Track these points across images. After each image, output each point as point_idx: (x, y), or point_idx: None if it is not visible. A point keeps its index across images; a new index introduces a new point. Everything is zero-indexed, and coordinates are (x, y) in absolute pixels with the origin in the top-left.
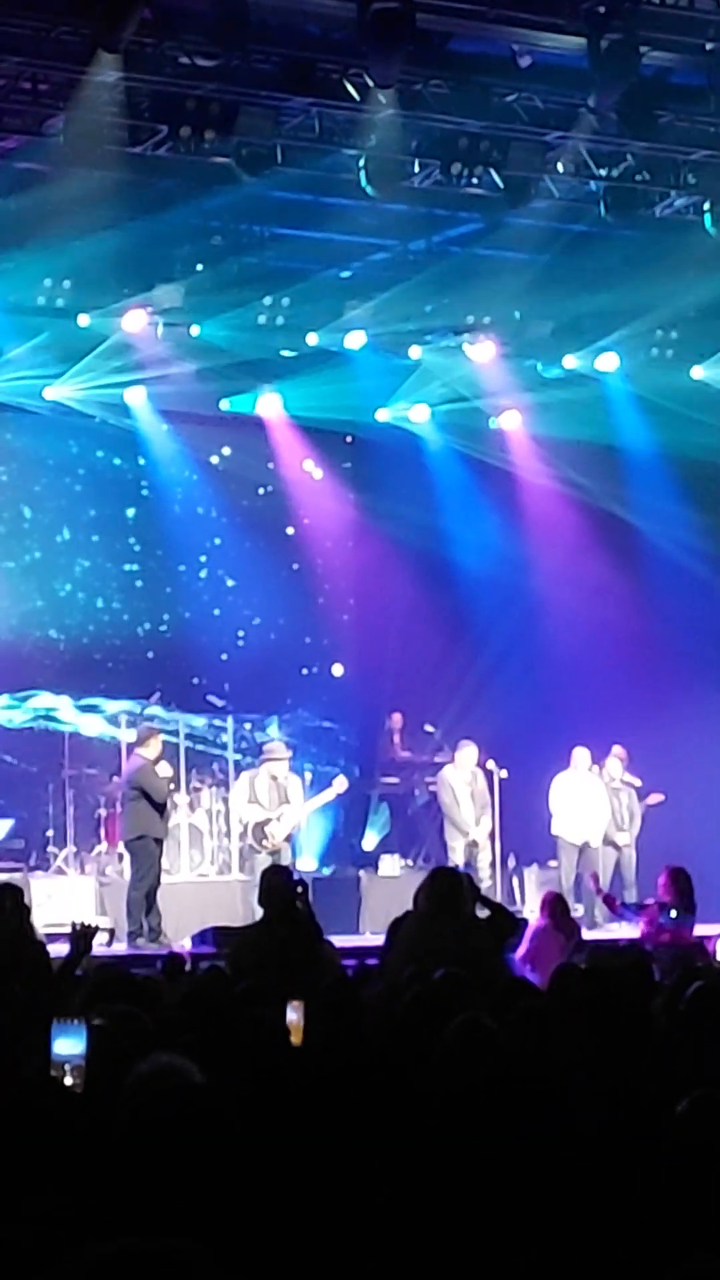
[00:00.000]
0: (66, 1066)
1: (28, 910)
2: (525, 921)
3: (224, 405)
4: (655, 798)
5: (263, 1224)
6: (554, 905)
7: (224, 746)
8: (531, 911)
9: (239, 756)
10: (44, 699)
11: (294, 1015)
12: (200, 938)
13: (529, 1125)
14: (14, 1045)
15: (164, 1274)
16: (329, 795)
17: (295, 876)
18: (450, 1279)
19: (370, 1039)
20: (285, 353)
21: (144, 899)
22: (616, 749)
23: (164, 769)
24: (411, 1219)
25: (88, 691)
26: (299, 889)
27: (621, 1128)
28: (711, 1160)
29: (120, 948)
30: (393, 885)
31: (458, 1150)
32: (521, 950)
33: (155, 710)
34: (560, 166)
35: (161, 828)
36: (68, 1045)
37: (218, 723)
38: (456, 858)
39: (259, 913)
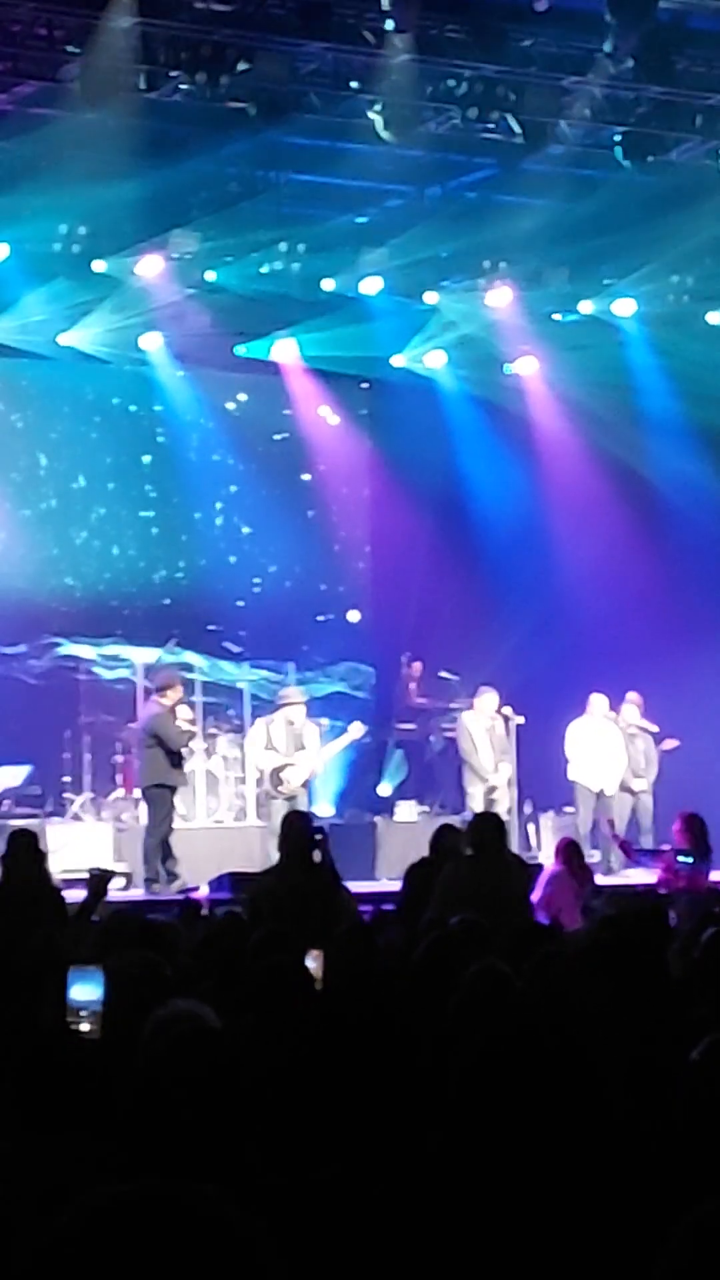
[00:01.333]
0: (83, 1013)
1: (44, 856)
2: (540, 867)
3: (240, 351)
4: (671, 743)
5: (279, 1167)
6: (568, 851)
7: (240, 692)
8: (547, 858)
9: (256, 703)
10: (60, 644)
11: (313, 964)
12: (217, 883)
13: (545, 1071)
14: (31, 991)
15: (181, 1214)
16: (345, 741)
17: (314, 823)
18: (466, 1224)
19: (387, 985)
20: (295, 291)
21: (160, 845)
22: (632, 695)
23: (184, 713)
24: (428, 1164)
25: (104, 638)
26: (318, 836)
27: (637, 1073)
28: None
29: (137, 893)
30: (409, 831)
31: (474, 1096)
32: (535, 895)
33: (172, 656)
34: (576, 111)
35: (178, 775)
36: (85, 991)
37: (233, 668)
38: (475, 804)
39: (276, 858)
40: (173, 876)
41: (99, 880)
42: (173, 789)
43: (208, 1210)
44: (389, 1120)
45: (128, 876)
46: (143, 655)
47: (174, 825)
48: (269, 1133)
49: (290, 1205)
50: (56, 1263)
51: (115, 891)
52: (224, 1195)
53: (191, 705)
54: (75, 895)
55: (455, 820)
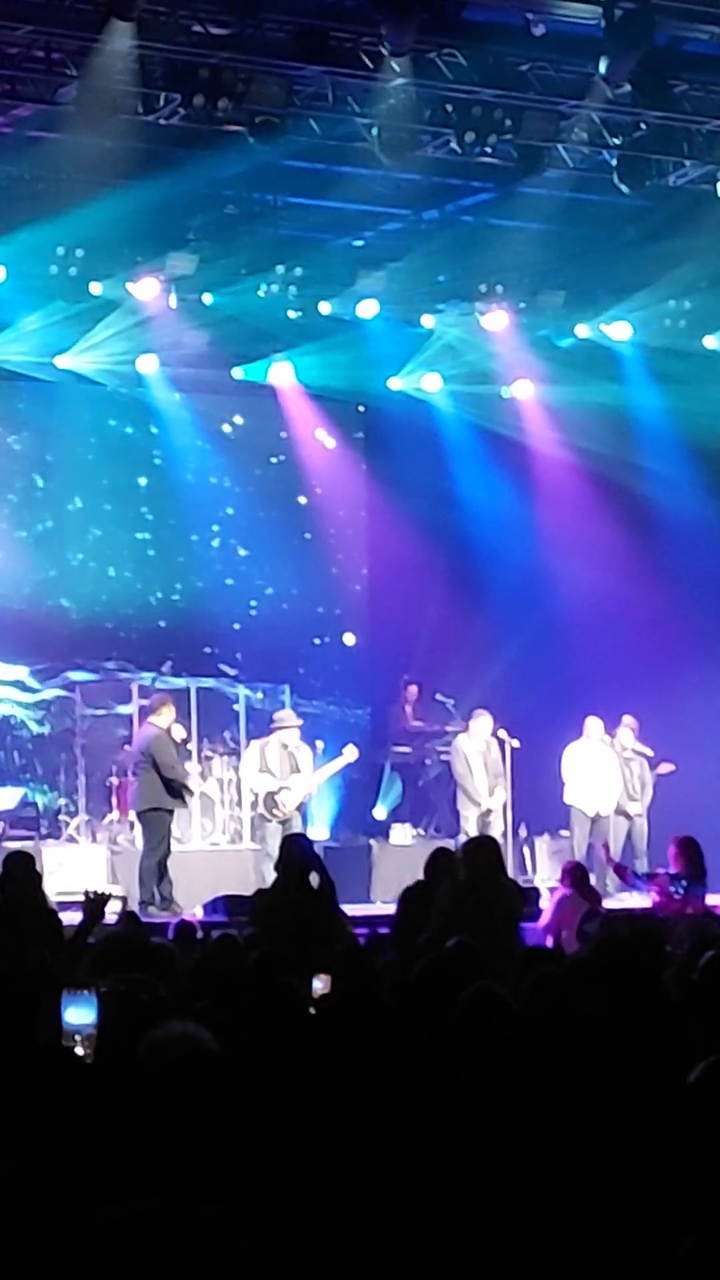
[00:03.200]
0: (78, 1036)
1: (39, 878)
2: (536, 890)
3: (236, 374)
4: (666, 767)
5: (278, 1188)
6: (575, 873)
7: (235, 716)
8: (543, 881)
9: (250, 726)
10: (55, 666)
11: (320, 985)
12: (212, 906)
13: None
14: (26, 1013)
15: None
16: (339, 764)
17: (312, 846)
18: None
19: (384, 1007)
20: (292, 314)
21: (156, 868)
22: (627, 719)
23: (178, 733)
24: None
25: (100, 660)
26: (317, 859)
27: (635, 1096)
28: None
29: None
30: (404, 854)
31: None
32: (545, 919)
33: (163, 682)
34: (574, 136)
35: (174, 800)
36: (79, 1015)
37: (229, 691)
38: (469, 827)
39: (270, 881)
40: (166, 901)
41: (95, 902)
42: (170, 812)
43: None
44: (387, 1141)
45: (123, 900)
46: (138, 678)
47: (170, 849)
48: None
49: (288, 1226)
50: None
51: (110, 915)
52: (224, 1215)
53: (185, 727)
54: (71, 918)
55: (450, 844)
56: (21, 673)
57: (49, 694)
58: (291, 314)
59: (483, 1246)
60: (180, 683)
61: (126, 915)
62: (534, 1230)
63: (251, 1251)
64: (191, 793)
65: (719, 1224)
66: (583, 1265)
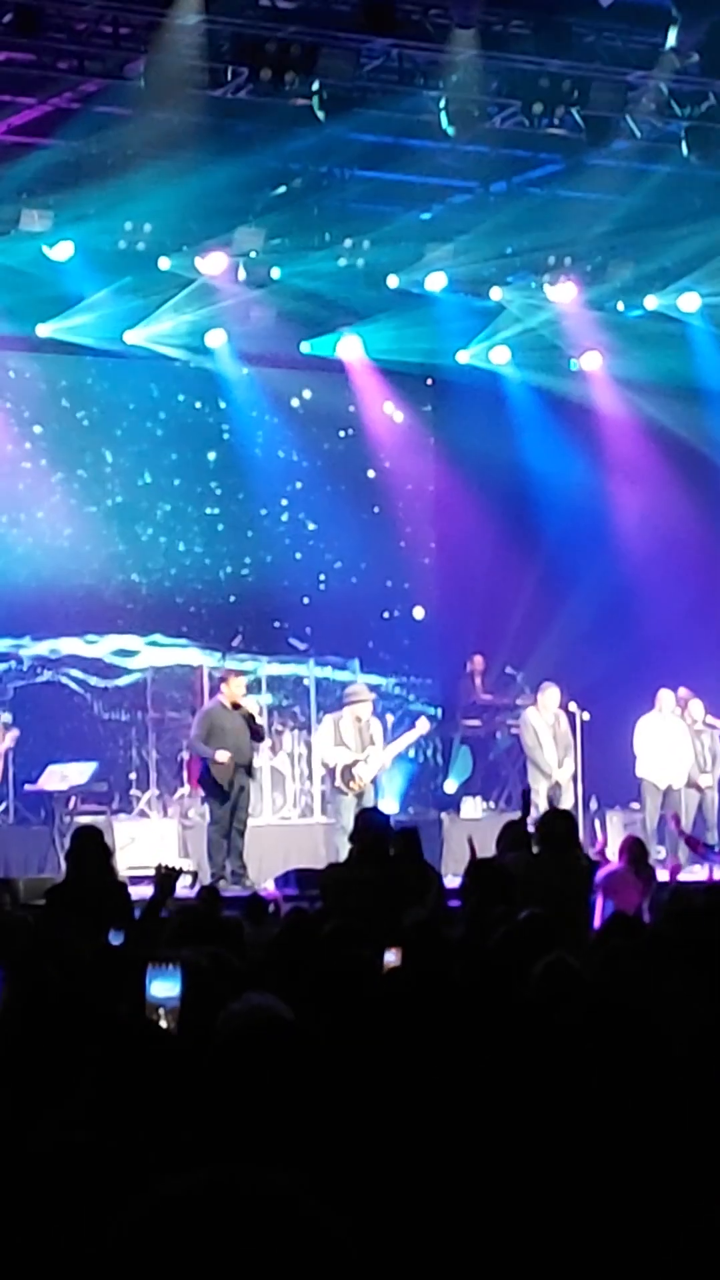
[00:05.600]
0: (161, 1010)
1: (110, 852)
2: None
3: (304, 348)
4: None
5: (352, 1158)
6: (633, 850)
7: (304, 690)
8: (614, 854)
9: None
10: (126, 640)
11: (392, 958)
12: (284, 879)
13: (618, 1064)
14: (105, 987)
15: (257, 1200)
16: (413, 737)
17: (389, 819)
18: (536, 1209)
19: (457, 980)
20: (360, 288)
21: (223, 841)
22: (683, 691)
23: (250, 704)
24: (497, 1155)
25: (170, 634)
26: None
27: (707, 1066)
28: None
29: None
30: (475, 828)
31: (547, 1088)
32: (596, 893)
33: (234, 659)
34: (642, 106)
35: (223, 771)
36: (163, 988)
37: (300, 668)
38: (539, 800)
39: (343, 854)
40: (238, 875)
41: (166, 877)
42: (224, 785)
43: (282, 1193)
44: (460, 1112)
45: (194, 874)
46: (206, 653)
47: (239, 822)
48: (339, 1123)
49: (361, 1194)
50: (138, 1247)
51: (182, 889)
52: (298, 1180)
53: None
54: (143, 892)
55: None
56: (92, 647)
57: (119, 667)
58: (359, 287)
59: (557, 1217)
60: (250, 664)
61: (204, 890)
62: (612, 1199)
63: (327, 1217)
64: (220, 764)
65: None
66: (651, 1234)
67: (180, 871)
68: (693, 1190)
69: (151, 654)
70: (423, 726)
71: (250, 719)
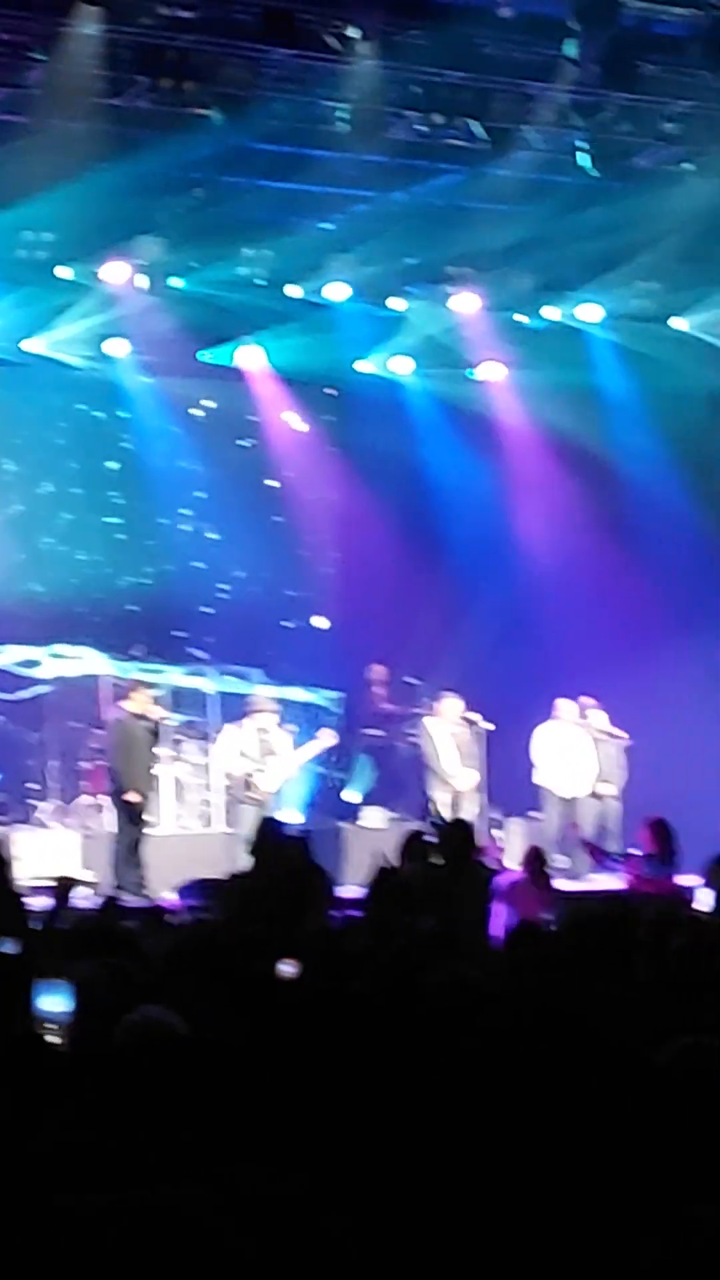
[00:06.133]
0: (50, 1024)
1: (8, 863)
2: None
3: (205, 357)
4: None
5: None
6: (534, 859)
7: (205, 700)
8: (514, 863)
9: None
10: (28, 651)
11: (288, 969)
12: (186, 890)
13: (510, 1074)
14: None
15: (164, 1221)
16: (316, 748)
17: (286, 829)
18: (440, 1226)
19: (354, 991)
20: (261, 297)
21: (128, 852)
22: (585, 699)
23: (156, 712)
24: (404, 1167)
25: (72, 644)
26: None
27: (603, 1077)
28: (695, 1108)
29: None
30: (376, 837)
31: (443, 1101)
32: (495, 901)
33: (136, 666)
34: (541, 117)
35: (142, 782)
36: (53, 1003)
37: (199, 678)
38: (441, 809)
39: (242, 865)
40: (138, 885)
41: (63, 888)
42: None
43: (189, 1214)
44: (360, 1124)
45: (94, 885)
46: (109, 662)
47: (143, 833)
48: (240, 1138)
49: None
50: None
51: (81, 900)
52: (203, 1198)
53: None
54: (41, 903)
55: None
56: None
57: (23, 677)
58: (260, 297)
59: (458, 1230)
60: (157, 674)
61: (106, 901)
62: (509, 1215)
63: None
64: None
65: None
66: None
67: (78, 882)
68: (589, 1204)
69: (53, 665)
70: (326, 737)
71: (154, 730)
